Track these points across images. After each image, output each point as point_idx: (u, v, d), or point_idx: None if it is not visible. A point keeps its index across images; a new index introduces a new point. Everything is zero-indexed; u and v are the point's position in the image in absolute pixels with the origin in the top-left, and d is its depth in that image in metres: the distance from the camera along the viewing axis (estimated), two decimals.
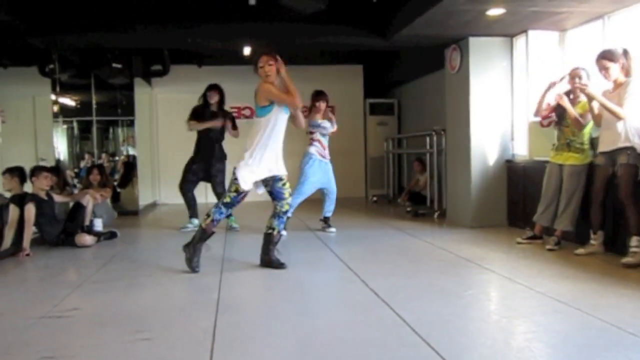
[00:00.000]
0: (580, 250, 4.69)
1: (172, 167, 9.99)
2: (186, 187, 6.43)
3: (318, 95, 6.16)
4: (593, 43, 5.39)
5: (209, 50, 8.49)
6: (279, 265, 4.43)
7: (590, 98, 4.63)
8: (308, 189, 5.98)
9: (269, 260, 4.46)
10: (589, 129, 4.92)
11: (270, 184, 4.38)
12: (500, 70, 6.38)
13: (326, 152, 6.12)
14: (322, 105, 6.13)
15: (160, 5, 6.27)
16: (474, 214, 6.43)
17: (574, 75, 4.88)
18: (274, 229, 4.47)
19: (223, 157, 6.46)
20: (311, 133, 6.07)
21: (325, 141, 6.11)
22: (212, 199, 6.34)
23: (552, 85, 5.07)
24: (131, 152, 9.02)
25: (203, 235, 4.35)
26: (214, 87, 6.40)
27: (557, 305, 3.28)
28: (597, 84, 4.73)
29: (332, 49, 8.15)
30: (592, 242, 4.71)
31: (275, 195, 4.42)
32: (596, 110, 4.66)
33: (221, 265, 4.57)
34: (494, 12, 5.31)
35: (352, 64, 10.31)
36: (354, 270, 4.30)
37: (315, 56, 9.49)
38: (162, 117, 9.95)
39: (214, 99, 6.36)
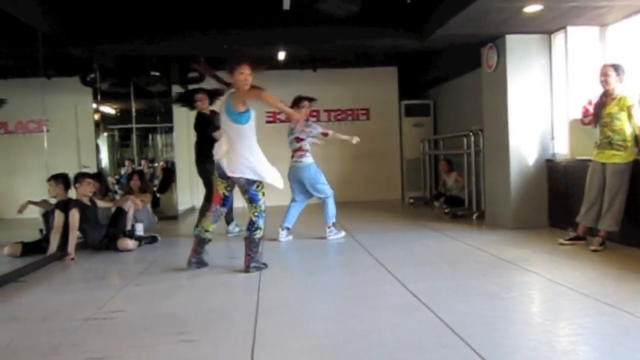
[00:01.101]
0: None
1: None
2: None
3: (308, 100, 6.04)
4: (636, 37, 5.24)
5: (245, 55, 8.59)
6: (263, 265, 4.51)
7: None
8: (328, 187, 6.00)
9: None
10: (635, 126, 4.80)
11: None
12: (539, 68, 6.26)
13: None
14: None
15: (196, 13, 6.39)
16: (513, 214, 6.31)
17: (602, 72, 4.78)
18: (259, 228, 4.46)
19: None
20: (303, 141, 5.95)
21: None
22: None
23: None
24: (170, 159, 9.19)
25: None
26: (203, 91, 6.34)
27: (603, 307, 3.19)
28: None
29: (366, 51, 8.13)
30: None
31: (252, 197, 4.44)
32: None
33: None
34: (531, 8, 5.21)
35: (387, 65, 10.28)
36: (392, 272, 4.27)
37: (350, 59, 9.50)
38: None
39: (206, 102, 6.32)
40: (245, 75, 4.33)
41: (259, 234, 4.46)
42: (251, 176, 4.32)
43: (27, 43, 5.77)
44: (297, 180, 5.95)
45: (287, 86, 10.24)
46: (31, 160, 7.96)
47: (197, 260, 4.58)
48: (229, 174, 4.35)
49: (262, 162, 4.36)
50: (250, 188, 4.37)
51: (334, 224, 6.00)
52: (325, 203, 5.96)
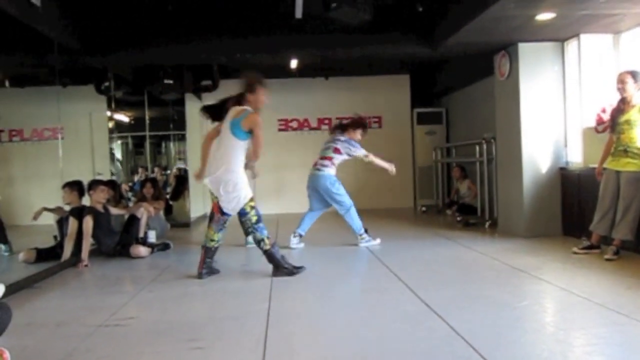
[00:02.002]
0: None
1: None
2: None
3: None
4: None
5: (257, 64, 8.64)
6: (297, 270, 4.62)
7: None
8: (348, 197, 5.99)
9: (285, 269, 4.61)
10: None
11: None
12: (552, 75, 6.23)
13: None
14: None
15: (209, 22, 6.44)
16: (526, 223, 6.27)
17: (620, 79, 4.75)
18: (262, 239, 4.57)
19: None
20: (339, 154, 5.97)
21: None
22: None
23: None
24: (182, 166, 9.25)
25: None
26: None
27: (617, 317, 3.15)
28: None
29: (379, 59, 8.15)
30: None
31: (240, 212, 4.57)
32: None
33: (271, 275, 4.61)
34: (544, 16, 5.20)
35: (399, 73, 10.29)
36: (404, 281, 4.26)
37: (363, 67, 9.52)
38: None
39: None
40: (264, 97, 4.51)
41: (266, 246, 4.58)
42: (217, 193, 4.50)
43: (43, 52, 5.85)
44: (313, 188, 5.96)
45: (299, 94, 10.36)
46: (46, 167, 8.04)
47: (208, 270, 4.62)
48: (215, 192, 4.55)
49: (239, 185, 4.46)
50: (247, 200, 4.53)
51: (366, 231, 6.01)
52: (347, 219, 5.96)
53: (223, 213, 4.56)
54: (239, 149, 4.46)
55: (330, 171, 5.90)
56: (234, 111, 4.56)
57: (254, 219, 4.54)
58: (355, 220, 5.96)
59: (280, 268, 4.58)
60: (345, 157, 5.96)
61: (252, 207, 4.55)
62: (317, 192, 5.95)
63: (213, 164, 4.51)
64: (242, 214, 4.56)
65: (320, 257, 5.57)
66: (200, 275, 4.57)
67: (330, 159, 5.92)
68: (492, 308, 3.44)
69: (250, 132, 4.43)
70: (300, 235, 5.99)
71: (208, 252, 4.64)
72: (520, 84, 6.23)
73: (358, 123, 6.09)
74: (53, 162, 6.98)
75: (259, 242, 4.59)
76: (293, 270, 4.59)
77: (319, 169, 5.92)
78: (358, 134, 6.02)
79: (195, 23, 6.47)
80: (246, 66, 8.78)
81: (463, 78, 9.03)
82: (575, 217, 6.00)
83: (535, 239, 6.01)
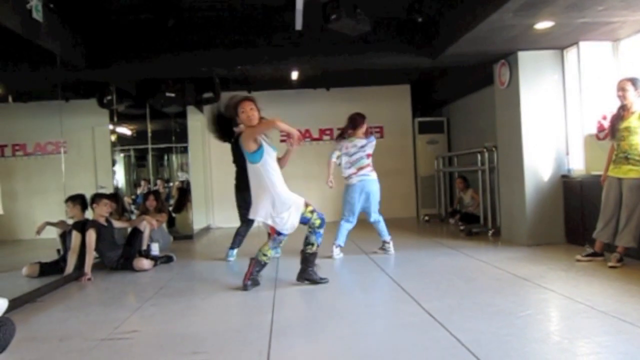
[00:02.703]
0: None
1: (225, 191, 10.24)
2: None
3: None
4: None
5: (258, 75, 8.69)
6: (321, 280, 4.64)
7: None
8: None
9: (310, 277, 4.64)
10: None
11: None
12: (552, 83, 6.25)
13: None
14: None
15: (209, 35, 6.50)
16: (529, 231, 6.26)
17: (620, 87, 4.76)
18: (312, 244, 4.59)
19: None
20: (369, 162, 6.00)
21: None
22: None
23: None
24: (185, 177, 9.27)
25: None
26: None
27: (621, 325, 3.14)
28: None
29: (379, 69, 8.19)
30: None
31: (302, 221, 4.54)
32: None
33: (274, 287, 4.61)
34: (542, 25, 5.22)
35: (400, 83, 10.32)
36: (407, 290, 4.25)
37: (364, 77, 9.56)
38: (214, 143, 10.19)
39: None
40: (247, 112, 4.38)
41: (309, 249, 4.60)
42: (269, 221, 4.45)
43: (45, 67, 5.90)
44: (365, 193, 5.92)
45: (300, 105, 10.39)
46: (49, 181, 8.06)
47: (252, 282, 4.57)
48: (251, 216, 4.55)
49: (278, 203, 4.39)
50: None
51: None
52: (379, 222, 6.03)
53: (279, 233, 4.54)
54: (265, 170, 4.38)
55: (375, 175, 5.99)
56: (241, 142, 4.50)
57: (317, 222, 4.55)
58: (384, 226, 6.08)
59: (307, 273, 4.63)
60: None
61: (312, 212, 4.53)
62: (367, 198, 5.95)
63: (255, 201, 4.47)
64: (304, 221, 4.54)
65: (322, 267, 5.55)
66: (245, 287, 4.51)
67: (369, 165, 5.96)
68: (496, 317, 3.43)
69: (259, 148, 4.34)
70: (340, 246, 6.01)
71: (257, 265, 4.59)
72: (521, 92, 6.24)
73: (359, 116, 6.09)
74: (56, 176, 7.00)
75: (309, 243, 4.60)
76: (318, 280, 4.63)
77: (368, 174, 5.94)
78: (364, 127, 6.05)
79: (195, 36, 6.51)
80: (246, 77, 8.92)
81: (464, 87, 9.06)
82: (578, 224, 5.99)
83: (538, 247, 6.00)
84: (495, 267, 5.07)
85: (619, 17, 4.96)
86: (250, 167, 4.44)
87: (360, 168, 5.93)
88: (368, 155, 5.96)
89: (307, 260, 4.64)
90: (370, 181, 5.93)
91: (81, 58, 6.22)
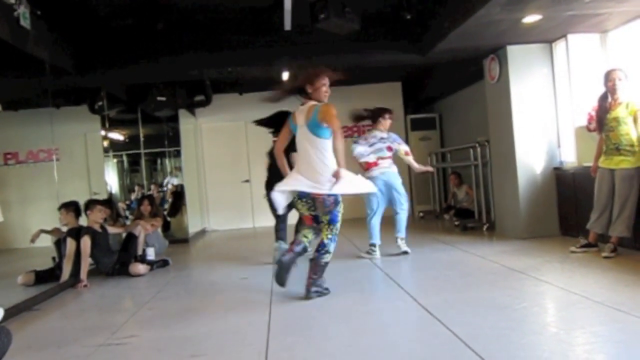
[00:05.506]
0: None
1: (220, 193, 10.25)
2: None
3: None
4: (636, 43, 5.25)
5: (249, 77, 8.68)
6: (326, 291, 4.28)
7: None
8: None
9: (319, 288, 4.27)
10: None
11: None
12: (541, 76, 6.28)
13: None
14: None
15: (198, 38, 6.50)
16: (524, 224, 6.29)
17: (611, 77, 4.78)
18: (329, 252, 4.23)
19: None
20: (392, 151, 5.93)
21: None
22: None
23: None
24: (178, 181, 9.25)
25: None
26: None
27: (616, 314, 3.16)
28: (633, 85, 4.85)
29: (369, 67, 8.19)
30: None
31: (333, 220, 4.21)
32: None
33: (271, 288, 4.61)
34: (530, 19, 5.25)
35: (391, 81, 10.33)
36: (404, 287, 4.26)
37: (354, 76, 9.55)
38: (207, 146, 10.22)
39: None
40: (327, 87, 4.19)
41: (327, 258, 4.16)
42: (346, 190, 4.06)
43: (35, 74, 5.88)
44: (388, 186, 5.82)
45: (293, 104, 10.33)
46: (42, 189, 8.03)
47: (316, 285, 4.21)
48: (317, 192, 4.04)
49: (347, 175, 4.02)
50: (335, 209, 4.14)
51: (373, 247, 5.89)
52: (403, 217, 5.88)
53: (316, 222, 4.24)
54: (326, 147, 4.07)
55: (395, 168, 5.91)
56: (302, 113, 4.22)
57: (335, 231, 4.20)
58: (404, 221, 5.90)
59: (317, 284, 4.20)
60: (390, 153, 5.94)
61: (339, 213, 4.21)
62: (389, 191, 5.84)
63: (307, 175, 4.07)
64: (331, 221, 4.16)
65: None
66: (308, 293, 4.18)
67: (389, 158, 5.89)
68: (492, 311, 3.45)
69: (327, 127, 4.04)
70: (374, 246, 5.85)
71: (298, 246, 4.24)
72: (511, 86, 6.27)
73: (379, 111, 6.04)
74: (49, 184, 6.99)
75: (327, 251, 4.17)
76: (325, 291, 4.26)
77: (387, 167, 5.85)
78: (388, 122, 6.00)
79: (185, 39, 6.50)
80: (237, 79, 8.91)
81: (455, 83, 9.08)
82: (571, 216, 6.03)
83: (533, 240, 6.03)
84: (491, 261, 5.09)
85: (605, 9, 4.99)
86: (315, 142, 4.07)
87: (381, 158, 5.85)
88: (389, 148, 5.87)
89: (321, 270, 4.19)
90: (392, 174, 5.84)
91: (70, 64, 6.20)
